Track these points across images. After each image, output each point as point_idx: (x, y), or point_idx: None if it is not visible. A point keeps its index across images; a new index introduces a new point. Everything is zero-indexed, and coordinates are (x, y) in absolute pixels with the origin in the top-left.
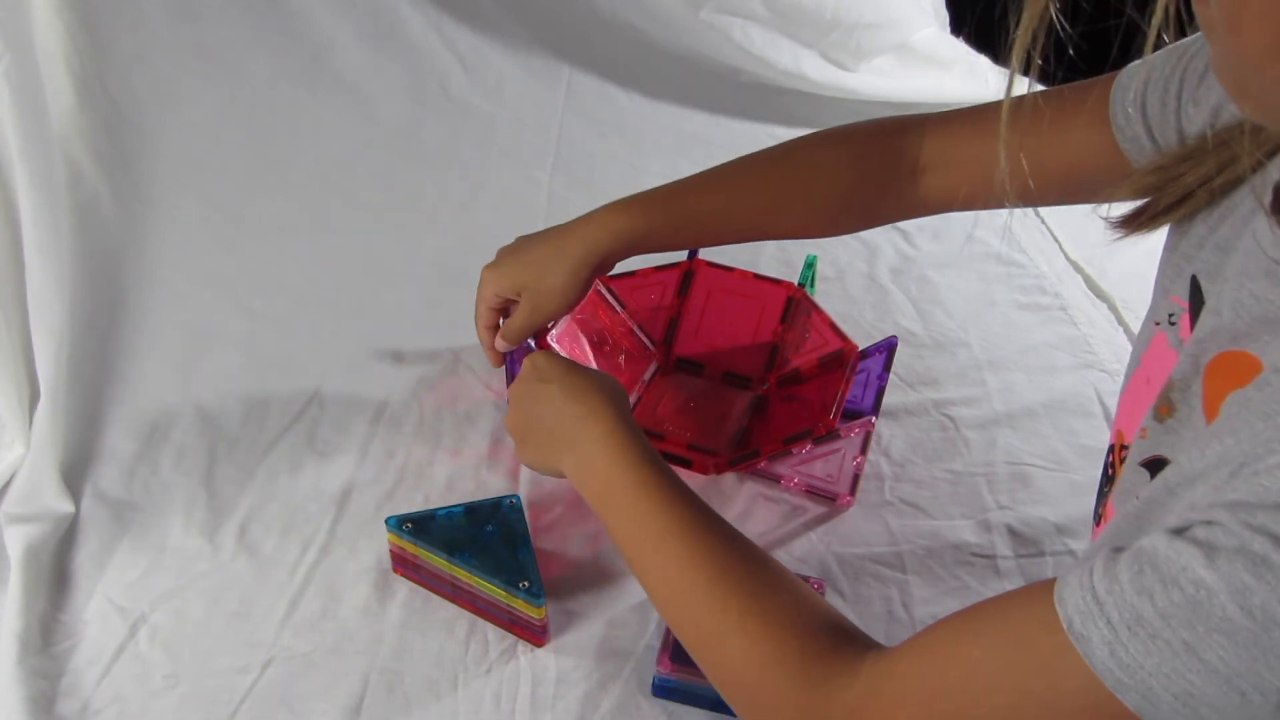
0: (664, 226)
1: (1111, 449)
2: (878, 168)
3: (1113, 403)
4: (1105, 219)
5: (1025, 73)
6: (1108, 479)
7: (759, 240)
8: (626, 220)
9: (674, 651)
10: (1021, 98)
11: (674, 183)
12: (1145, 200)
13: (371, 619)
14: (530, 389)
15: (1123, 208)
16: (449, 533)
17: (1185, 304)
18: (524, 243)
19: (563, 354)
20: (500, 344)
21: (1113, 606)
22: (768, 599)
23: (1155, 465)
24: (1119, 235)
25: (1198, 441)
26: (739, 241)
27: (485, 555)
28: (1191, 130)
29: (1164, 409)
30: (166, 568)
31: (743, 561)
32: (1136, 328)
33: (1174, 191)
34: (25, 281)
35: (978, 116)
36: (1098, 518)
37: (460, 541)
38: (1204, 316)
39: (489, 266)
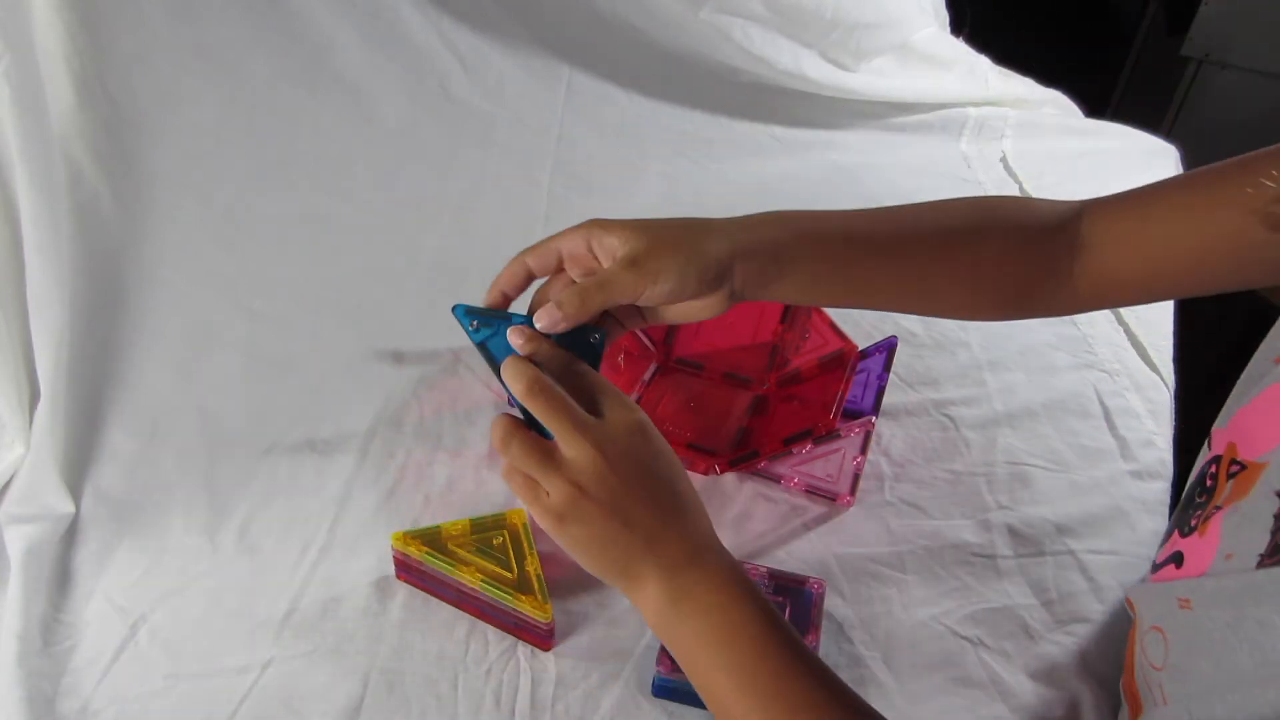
0: (808, 279)
1: (1218, 460)
2: (1039, 270)
3: (1113, 403)
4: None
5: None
6: (1204, 489)
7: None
8: (775, 240)
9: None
10: (1195, 177)
11: (832, 227)
12: None
13: (371, 619)
14: (610, 495)
15: None
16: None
17: None
18: (645, 221)
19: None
20: (569, 308)
21: None
22: None
23: None
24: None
25: None
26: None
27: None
28: None
29: None
30: (166, 568)
31: None
32: (1136, 328)
33: None
34: (25, 281)
35: (1140, 203)
36: (1187, 529)
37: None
38: None
39: (596, 220)
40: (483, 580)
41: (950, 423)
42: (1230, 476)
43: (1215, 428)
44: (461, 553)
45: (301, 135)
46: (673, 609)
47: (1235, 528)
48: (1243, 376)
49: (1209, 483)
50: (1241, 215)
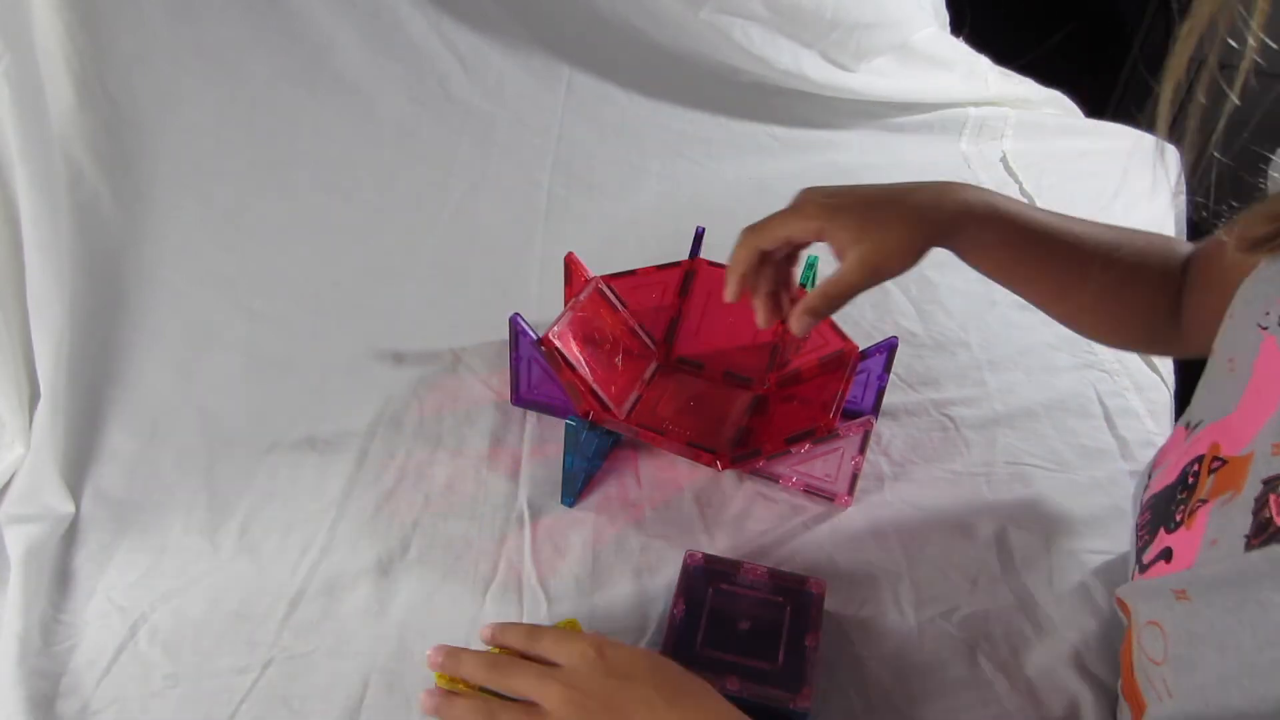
0: (994, 240)
1: (1200, 459)
2: (1165, 314)
3: (1113, 403)
4: (1232, 240)
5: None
6: (1185, 485)
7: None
8: (977, 206)
9: (671, 654)
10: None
11: (1018, 210)
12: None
13: (371, 619)
14: (602, 686)
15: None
16: None
17: None
18: (844, 190)
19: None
20: (804, 316)
21: None
22: None
23: (1274, 483)
24: (1247, 254)
25: None
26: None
27: None
28: None
29: None
30: (166, 568)
31: None
32: None
33: None
34: (25, 281)
35: (1219, 252)
36: (1173, 524)
37: None
38: None
39: (809, 201)
40: None
41: (950, 423)
42: (1211, 472)
43: (1190, 429)
44: None
45: (301, 135)
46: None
47: (1222, 517)
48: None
49: (1190, 480)
50: None
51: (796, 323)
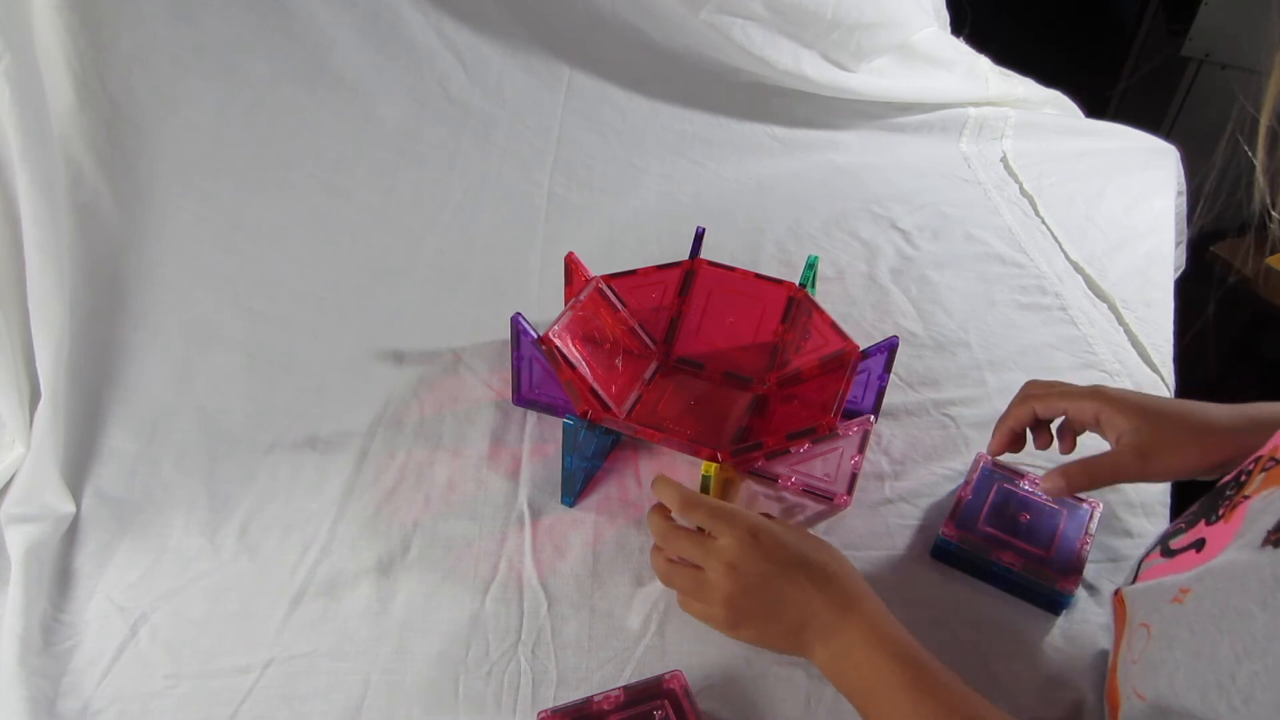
0: None
1: (1259, 459)
2: None
3: None
4: None
5: None
6: (1236, 483)
7: None
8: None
9: None
10: None
11: None
12: None
13: (372, 619)
14: (760, 569)
15: None
16: None
17: None
18: (1131, 393)
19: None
20: (1058, 479)
21: None
22: None
23: None
24: None
25: None
26: None
27: None
28: None
29: None
30: (167, 568)
31: None
32: (1136, 328)
33: None
34: (25, 281)
35: None
36: (1214, 517)
37: None
38: None
39: (1096, 390)
40: None
41: (950, 422)
42: (1264, 470)
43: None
44: None
45: (301, 135)
46: (834, 670)
47: (1258, 513)
48: None
49: (1242, 478)
50: None
51: (1048, 481)
